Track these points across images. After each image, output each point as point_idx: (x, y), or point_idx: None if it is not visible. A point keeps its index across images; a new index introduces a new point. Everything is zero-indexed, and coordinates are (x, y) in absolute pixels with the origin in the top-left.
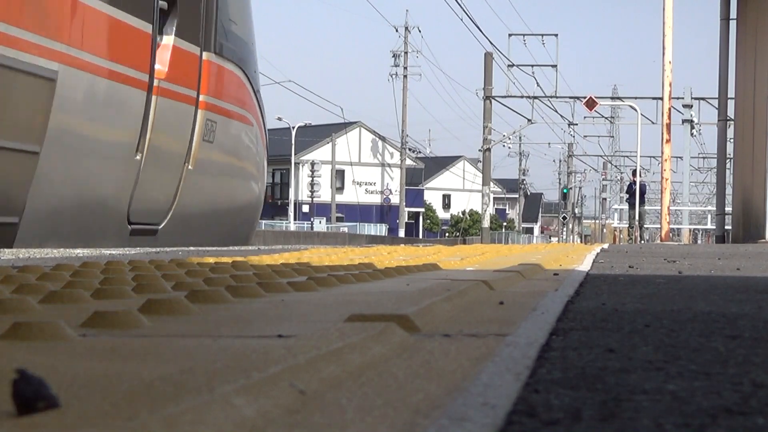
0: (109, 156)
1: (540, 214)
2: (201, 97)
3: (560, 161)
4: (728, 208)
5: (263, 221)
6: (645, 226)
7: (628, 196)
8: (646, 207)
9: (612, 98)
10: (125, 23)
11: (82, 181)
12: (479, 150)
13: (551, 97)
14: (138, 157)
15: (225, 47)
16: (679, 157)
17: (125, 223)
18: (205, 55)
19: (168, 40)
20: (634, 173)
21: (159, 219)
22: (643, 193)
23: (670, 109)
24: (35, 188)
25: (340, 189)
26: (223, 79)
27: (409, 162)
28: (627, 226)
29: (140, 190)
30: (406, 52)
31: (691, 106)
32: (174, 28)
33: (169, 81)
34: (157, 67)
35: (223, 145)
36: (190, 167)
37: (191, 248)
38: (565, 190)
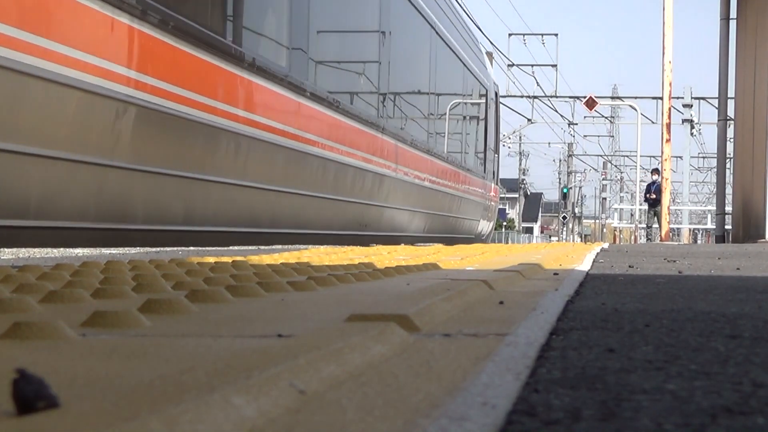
0: (483, 221)
1: (540, 214)
2: (495, 202)
3: (560, 161)
4: (728, 208)
5: None
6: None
7: (647, 195)
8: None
9: (612, 98)
10: (488, 184)
11: (469, 225)
12: None
13: (551, 96)
14: (485, 221)
15: (497, 179)
16: (679, 157)
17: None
18: (498, 186)
19: (492, 185)
20: (653, 171)
21: (481, 235)
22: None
23: (670, 109)
24: (451, 230)
25: None
26: (497, 192)
27: None
28: (630, 225)
29: (480, 228)
30: None
31: (691, 105)
32: (493, 179)
33: (491, 199)
34: (491, 194)
35: (492, 212)
36: (492, 222)
37: (191, 248)
38: (565, 190)
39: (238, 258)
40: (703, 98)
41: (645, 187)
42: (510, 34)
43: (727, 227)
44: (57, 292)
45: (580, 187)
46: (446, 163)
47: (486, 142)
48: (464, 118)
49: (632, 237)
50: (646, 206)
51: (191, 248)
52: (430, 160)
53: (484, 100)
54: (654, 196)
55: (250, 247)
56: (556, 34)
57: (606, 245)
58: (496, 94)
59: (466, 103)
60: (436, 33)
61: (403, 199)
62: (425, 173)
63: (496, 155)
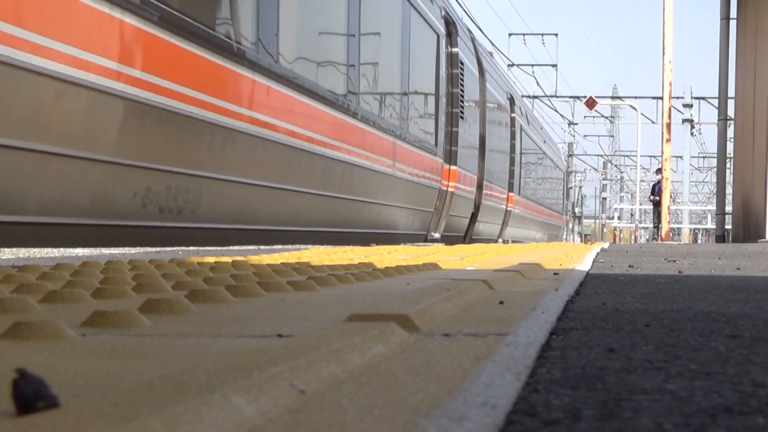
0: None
1: None
2: (564, 222)
3: None
4: (728, 208)
5: None
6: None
7: (650, 197)
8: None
9: (612, 98)
10: (564, 216)
11: (557, 236)
12: None
13: (551, 96)
14: (561, 232)
15: (566, 211)
16: (680, 157)
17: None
18: (566, 216)
19: (565, 216)
20: (658, 171)
21: (557, 236)
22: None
23: (670, 109)
24: (552, 237)
25: None
26: (565, 219)
27: None
28: (630, 225)
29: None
30: None
31: (691, 105)
32: (567, 212)
33: (564, 222)
34: (564, 220)
35: (564, 228)
36: (563, 232)
37: (191, 248)
38: None
39: (238, 258)
40: (703, 98)
41: (650, 188)
42: (510, 34)
43: (727, 227)
44: (57, 292)
45: (580, 187)
46: (554, 210)
47: (563, 194)
48: (559, 187)
49: (632, 237)
50: (650, 206)
51: (191, 248)
52: (553, 211)
53: (563, 175)
54: (657, 197)
55: (250, 247)
56: (556, 34)
57: (606, 245)
58: (568, 170)
59: (561, 179)
60: (546, 155)
61: (546, 228)
62: (552, 217)
63: (567, 201)
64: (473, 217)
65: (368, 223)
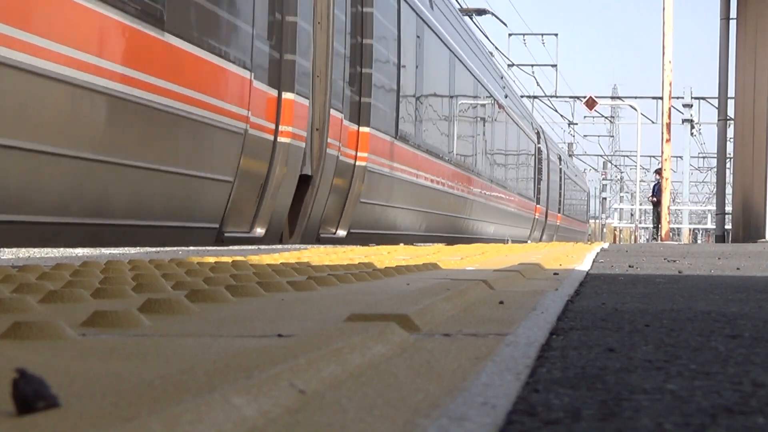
0: (583, 233)
1: None
2: (585, 229)
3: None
4: (728, 208)
5: None
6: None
7: (652, 197)
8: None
9: (612, 98)
10: (587, 223)
11: (582, 237)
12: None
13: (551, 96)
14: (584, 233)
15: (588, 218)
16: (679, 157)
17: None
18: (587, 222)
19: (587, 222)
20: (657, 172)
21: (583, 240)
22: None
23: (670, 109)
24: (578, 237)
25: None
26: (587, 225)
27: None
28: (630, 225)
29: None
30: None
31: (691, 105)
32: (588, 220)
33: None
34: (588, 225)
35: (586, 231)
36: (587, 234)
37: (191, 248)
38: None
39: (238, 258)
40: (703, 98)
41: (651, 188)
42: (510, 34)
43: (727, 227)
44: (57, 292)
45: None
46: (581, 221)
47: (587, 206)
48: (584, 205)
49: (632, 237)
50: (650, 206)
51: (191, 248)
52: (581, 222)
53: (587, 195)
54: (656, 198)
55: (250, 247)
56: (556, 34)
57: (606, 245)
58: (588, 192)
59: (587, 199)
60: (578, 184)
61: (577, 233)
62: (581, 225)
63: (588, 212)
64: (543, 231)
65: (510, 235)
